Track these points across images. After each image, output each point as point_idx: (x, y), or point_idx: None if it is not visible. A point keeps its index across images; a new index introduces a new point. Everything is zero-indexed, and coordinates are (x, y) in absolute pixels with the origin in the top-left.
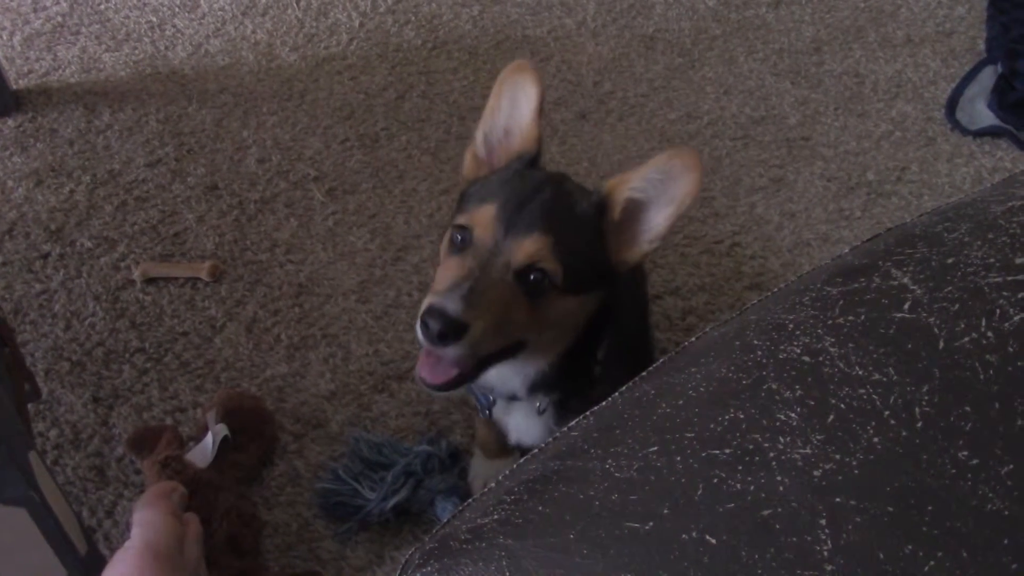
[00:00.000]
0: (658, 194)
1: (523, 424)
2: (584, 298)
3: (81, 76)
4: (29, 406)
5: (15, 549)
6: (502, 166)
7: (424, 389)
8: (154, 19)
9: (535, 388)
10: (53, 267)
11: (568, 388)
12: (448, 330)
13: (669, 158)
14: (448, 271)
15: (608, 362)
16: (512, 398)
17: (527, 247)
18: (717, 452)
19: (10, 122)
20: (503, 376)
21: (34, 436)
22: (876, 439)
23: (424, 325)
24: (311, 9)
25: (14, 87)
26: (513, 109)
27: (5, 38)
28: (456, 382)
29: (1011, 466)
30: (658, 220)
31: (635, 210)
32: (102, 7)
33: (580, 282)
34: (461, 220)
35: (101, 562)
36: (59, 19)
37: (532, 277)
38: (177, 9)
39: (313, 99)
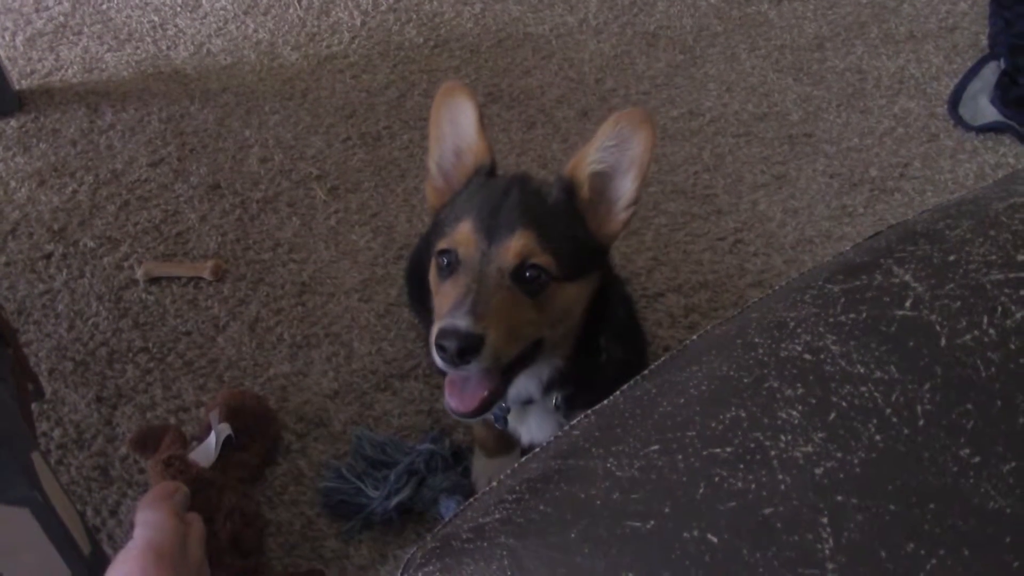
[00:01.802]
0: (618, 160)
1: (535, 425)
2: (583, 282)
3: (83, 76)
4: (33, 406)
5: (19, 549)
6: (463, 186)
7: (458, 419)
8: (156, 19)
9: (550, 387)
10: (56, 267)
11: (579, 380)
12: (465, 345)
13: (616, 122)
14: (445, 296)
15: (608, 345)
16: (527, 402)
17: (514, 247)
18: (718, 451)
19: (13, 122)
20: (519, 383)
21: (38, 436)
22: (878, 437)
23: (440, 349)
24: (313, 8)
25: (17, 87)
26: (456, 130)
27: (7, 38)
28: (487, 403)
29: (1013, 464)
30: (626, 186)
31: (602, 183)
32: (104, 7)
33: (574, 267)
34: (442, 245)
35: (105, 562)
36: (61, 19)
37: (528, 274)
38: (179, 8)
39: (315, 98)
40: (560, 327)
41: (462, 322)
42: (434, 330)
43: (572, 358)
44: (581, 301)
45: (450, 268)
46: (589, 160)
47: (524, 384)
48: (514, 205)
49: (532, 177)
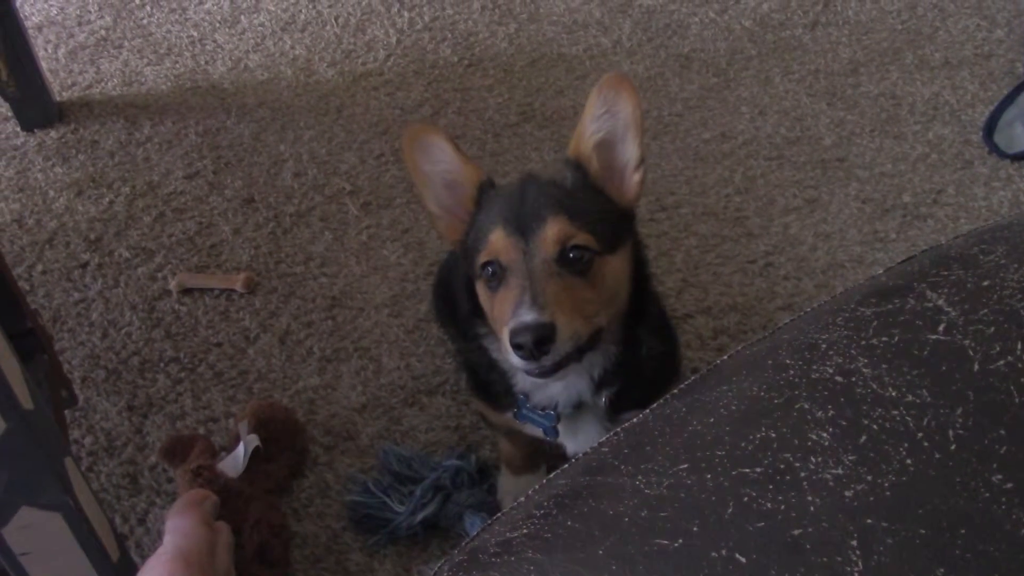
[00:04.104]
0: (613, 126)
1: (583, 436)
2: (622, 252)
3: (123, 89)
4: (66, 412)
5: (50, 553)
6: (473, 208)
7: (536, 379)
8: (195, 34)
9: (600, 385)
10: (92, 276)
11: (626, 374)
12: (541, 335)
13: (599, 92)
14: (503, 303)
15: (646, 338)
16: (578, 405)
17: (550, 234)
18: (748, 470)
19: (53, 133)
20: (571, 383)
21: (70, 442)
22: (909, 461)
23: (518, 347)
24: (349, 25)
25: (58, 99)
26: (438, 167)
27: (50, 51)
28: (561, 364)
29: None
30: (628, 148)
31: (607, 152)
32: (145, 22)
33: (611, 239)
34: (483, 258)
35: (133, 569)
36: (103, 33)
37: (572, 256)
38: (218, 24)
39: (350, 114)
40: (614, 303)
41: (529, 316)
42: (504, 336)
43: (622, 344)
44: (626, 271)
45: (497, 278)
46: (587, 133)
47: (575, 384)
48: (536, 198)
49: (537, 172)
